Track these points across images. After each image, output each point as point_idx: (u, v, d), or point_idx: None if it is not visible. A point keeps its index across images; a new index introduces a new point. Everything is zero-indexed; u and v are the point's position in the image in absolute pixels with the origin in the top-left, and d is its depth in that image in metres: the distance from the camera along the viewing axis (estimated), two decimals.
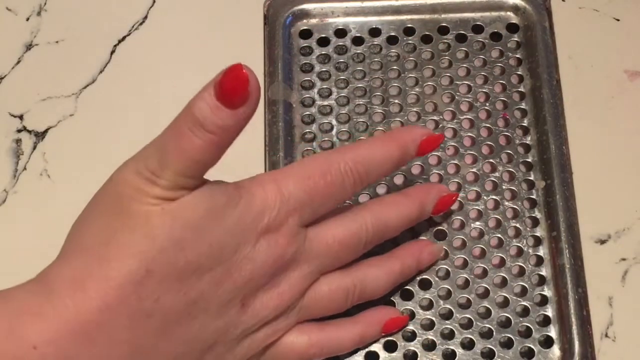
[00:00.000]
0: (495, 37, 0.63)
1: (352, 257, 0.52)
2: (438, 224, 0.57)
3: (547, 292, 0.56)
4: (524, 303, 0.56)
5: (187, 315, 0.45)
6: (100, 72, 0.62)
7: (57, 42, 0.63)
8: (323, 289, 0.51)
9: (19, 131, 0.61)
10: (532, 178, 0.59)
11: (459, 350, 0.55)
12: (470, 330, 0.55)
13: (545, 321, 0.55)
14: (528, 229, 0.58)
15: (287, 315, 0.50)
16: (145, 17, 0.64)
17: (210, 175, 0.45)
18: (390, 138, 0.51)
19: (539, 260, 0.57)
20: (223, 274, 0.46)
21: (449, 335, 0.55)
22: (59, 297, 0.42)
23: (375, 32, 0.63)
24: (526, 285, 0.56)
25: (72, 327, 0.42)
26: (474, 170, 0.59)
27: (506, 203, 0.58)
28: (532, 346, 0.55)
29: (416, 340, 0.55)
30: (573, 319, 0.55)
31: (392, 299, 0.56)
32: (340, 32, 0.63)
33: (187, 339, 0.46)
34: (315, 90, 0.62)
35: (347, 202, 0.58)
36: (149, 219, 0.43)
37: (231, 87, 0.42)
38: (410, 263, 0.55)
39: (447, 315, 0.55)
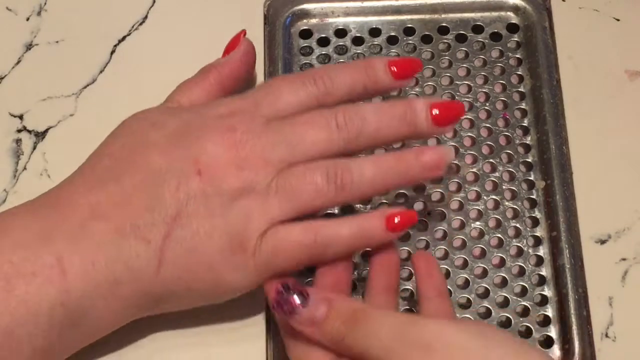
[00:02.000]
0: (495, 37, 0.63)
1: (324, 146, 0.51)
2: (438, 224, 0.57)
3: (547, 292, 0.56)
4: (524, 303, 0.56)
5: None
6: (100, 72, 0.62)
7: (57, 42, 0.63)
8: (298, 167, 0.50)
9: (19, 131, 0.61)
10: (532, 178, 0.59)
11: None
12: None
13: (545, 321, 0.55)
14: (528, 229, 0.58)
15: (259, 191, 0.49)
16: (145, 17, 0.64)
17: None
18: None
19: (539, 260, 0.57)
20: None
21: None
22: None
23: (375, 32, 0.63)
24: (526, 285, 0.56)
25: None
26: (474, 170, 0.59)
27: (506, 203, 0.58)
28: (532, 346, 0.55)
29: None
30: (573, 319, 0.55)
31: None
32: (341, 32, 0.63)
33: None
34: None
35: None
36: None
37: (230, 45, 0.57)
38: (408, 157, 0.51)
39: None
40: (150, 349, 0.55)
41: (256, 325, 0.55)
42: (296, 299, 0.47)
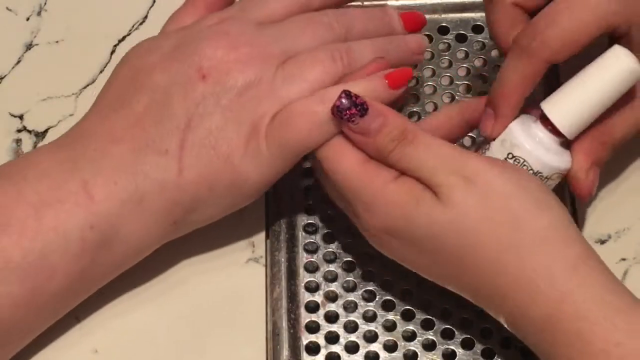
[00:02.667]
0: None
1: (320, 40, 0.53)
2: None
3: None
4: None
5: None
6: (100, 72, 0.63)
7: (57, 42, 0.63)
8: (301, 55, 0.52)
9: (19, 131, 0.61)
10: None
11: (459, 350, 0.55)
12: (471, 330, 0.55)
13: None
14: None
15: (266, 80, 0.51)
16: (145, 17, 0.64)
17: None
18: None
19: None
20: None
21: (449, 335, 0.55)
22: None
23: None
24: None
25: None
26: None
27: None
28: None
29: (416, 340, 0.55)
30: None
31: (391, 298, 0.56)
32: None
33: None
34: None
35: None
36: None
37: None
38: (398, 40, 0.55)
39: (447, 315, 0.55)
40: (150, 349, 0.55)
41: (256, 325, 0.55)
42: (356, 108, 0.49)
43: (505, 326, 0.50)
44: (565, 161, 0.52)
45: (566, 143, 0.52)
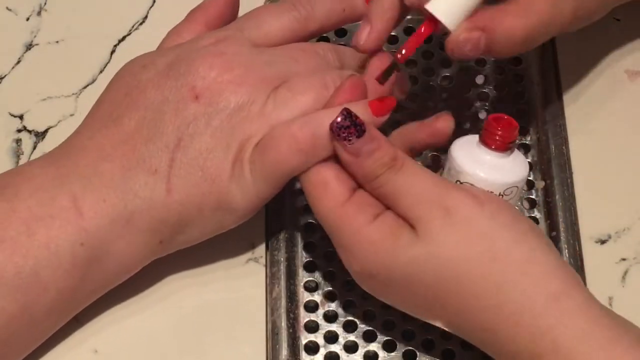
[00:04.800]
0: None
1: (316, 68, 0.53)
2: None
3: None
4: None
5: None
6: (100, 72, 0.63)
7: (57, 42, 0.64)
8: (293, 79, 0.52)
9: (19, 131, 0.61)
10: (531, 178, 0.59)
11: (459, 350, 0.55)
12: None
13: None
14: None
15: (259, 103, 0.51)
16: (145, 17, 0.64)
17: None
18: None
19: None
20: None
21: (449, 335, 0.55)
22: None
23: None
24: None
25: None
26: None
27: None
28: None
29: (415, 339, 0.55)
30: None
31: None
32: (341, 32, 0.63)
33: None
34: None
35: None
36: None
37: None
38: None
39: None
40: (151, 349, 0.55)
41: (256, 324, 0.55)
42: (355, 127, 0.49)
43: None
44: (514, 173, 0.50)
45: (513, 156, 0.51)
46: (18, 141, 0.61)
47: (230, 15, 0.57)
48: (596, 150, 0.60)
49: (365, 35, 0.52)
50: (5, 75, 0.62)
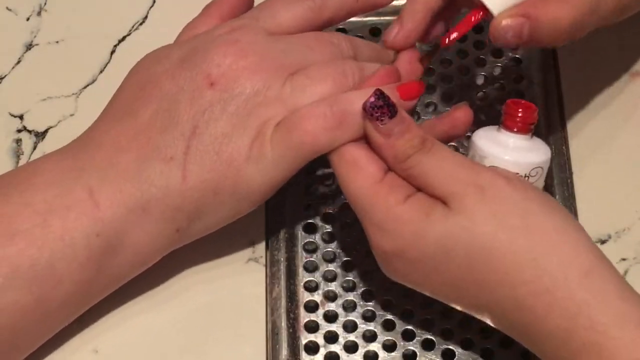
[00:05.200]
0: None
1: (331, 55, 0.53)
2: None
3: None
4: None
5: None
6: (100, 72, 0.63)
7: (57, 42, 0.64)
8: (311, 67, 0.52)
9: (19, 131, 0.61)
10: None
11: (458, 350, 0.55)
12: (470, 329, 0.55)
13: None
14: None
15: (275, 89, 0.51)
16: (145, 17, 0.64)
17: None
18: None
19: None
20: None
21: (448, 335, 0.55)
22: None
23: (375, 31, 0.63)
24: None
25: None
26: None
27: None
28: None
29: (415, 339, 0.55)
30: None
31: (389, 298, 0.56)
32: (341, 32, 0.63)
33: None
34: None
35: None
36: None
37: None
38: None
39: (446, 315, 0.55)
40: (151, 349, 0.55)
41: (256, 324, 0.55)
42: (388, 108, 0.49)
43: (522, 343, 0.49)
44: (538, 154, 0.51)
45: (535, 139, 0.52)
46: (18, 141, 0.61)
47: (245, 8, 0.57)
48: (596, 150, 0.60)
49: (394, 33, 0.53)
50: (5, 75, 0.62)
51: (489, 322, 0.50)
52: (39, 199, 0.50)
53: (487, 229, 0.47)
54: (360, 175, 0.50)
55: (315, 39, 0.54)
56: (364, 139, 0.50)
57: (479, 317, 0.50)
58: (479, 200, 0.48)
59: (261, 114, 0.51)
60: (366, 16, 0.63)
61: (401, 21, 0.53)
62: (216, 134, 0.51)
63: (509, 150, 0.51)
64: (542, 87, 0.62)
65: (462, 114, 0.53)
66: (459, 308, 0.51)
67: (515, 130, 0.51)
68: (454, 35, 0.51)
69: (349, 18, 0.57)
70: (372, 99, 0.49)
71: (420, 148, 0.49)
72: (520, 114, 0.51)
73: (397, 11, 0.63)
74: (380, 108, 0.49)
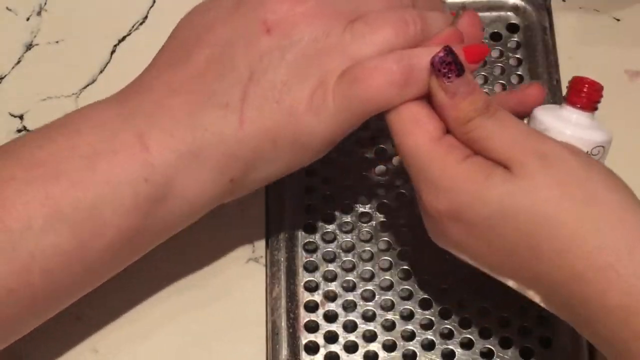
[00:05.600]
0: (495, 37, 0.63)
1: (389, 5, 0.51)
2: None
3: None
4: (523, 302, 0.55)
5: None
6: (100, 72, 0.63)
7: (57, 42, 0.64)
8: (370, 14, 0.50)
9: (19, 131, 0.61)
10: None
11: (458, 350, 0.55)
12: (470, 329, 0.55)
13: (545, 321, 0.55)
14: None
15: (335, 35, 0.49)
16: (145, 17, 0.64)
17: None
18: None
19: None
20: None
21: (448, 335, 0.55)
22: None
23: None
24: None
25: None
26: None
27: None
28: (531, 346, 0.55)
29: (415, 340, 0.55)
30: None
31: (390, 298, 0.56)
32: None
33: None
34: None
35: None
36: None
37: None
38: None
39: (446, 315, 0.55)
40: (151, 348, 0.55)
41: (256, 324, 0.56)
42: (456, 65, 0.48)
43: (573, 324, 0.47)
44: (601, 133, 0.50)
45: (597, 120, 0.51)
46: None
47: None
48: None
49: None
50: (5, 75, 0.62)
51: (538, 299, 0.48)
52: (84, 142, 0.48)
53: (550, 196, 0.46)
54: (419, 132, 0.48)
55: None
56: (427, 99, 0.49)
57: (528, 292, 0.48)
58: (543, 168, 0.46)
59: (322, 63, 0.49)
60: None
61: None
62: (275, 82, 0.49)
63: (572, 125, 0.49)
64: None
65: (534, 91, 0.52)
66: (508, 281, 0.49)
67: (579, 106, 0.50)
68: None
69: None
70: (442, 54, 0.47)
71: (484, 112, 0.47)
72: (585, 90, 0.50)
73: None
74: (449, 64, 0.47)
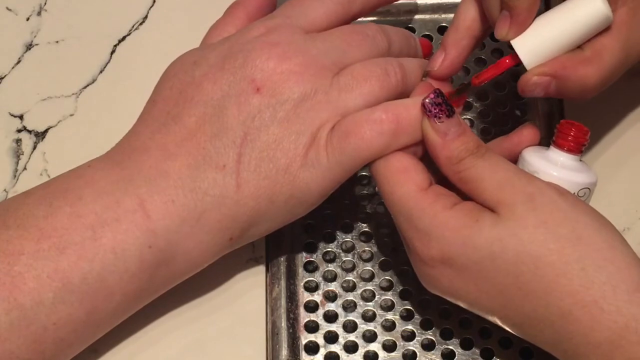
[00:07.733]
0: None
1: (369, 51, 0.53)
2: None
3: None
4: None
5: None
6: (100, 72, 0.63)
7: (57, 42, 0.64)
8: (353, 66, 0.52)
9: (19, 131, 0.61)
10: None
11: (458, 350, 0.55)
12: (470, 329, 0.55)
13: None
14: None
15: (323, 91, 0.51)
16: (145, 17, 0.64)
17: None
18: None
19: None
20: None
21: (448, 335, 0.55)
22: None
23: None
24: None
25: None
26: None
27: None
28: (530, 346, 0.54)
29: (415, 340, 0.55)
30: None
31: (390, 298, 0.56)
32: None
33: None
34: None
35: None
36: None
37: None
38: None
39: (446, 315, 0.55)
40: (151, 349, 0.55)
41: (256, 324, 0.56)
42: (446, 106, 0.49)
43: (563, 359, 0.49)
44: (587, 175, 0.51)
45: (583, 162, 0.52)
46: (18, 141, 0.61)
47: (270, 7, 0.56)
48: (596, 150, 0.60)
49: (439, 62, 0.53)
50: (5, 75, 0.62)
51: (529, 337, 0.49)
52: (88, 211, 0.49)
53: (537, 237, 0.47)
54: (407, 181, 0.50)
55: (350, 33, 0.54)
56: (414, 148, 0.51)
57: (519, 332, 0.50)
58: (530, 209, 0.47)
59: (313, 118, 0.51)
60: (367, 16, 0.63)
61: (445, 49, 0.53)
62: (268, 141, 0.50)
63: (558, 167, 0.51)
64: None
65: (530, 131, 0.53)
66: (498, 322, 0.50)
67: (566, 149, 0.51)
68: (486, 76, 0.52)
69: (376, 9, 0.57)
70: (432, 96, 0.49)
71: (474, 152, 0.49)
72: (572, 134, 0.51)
73: (398, 11, 0.63)
74: (439, 105, 0.49)
